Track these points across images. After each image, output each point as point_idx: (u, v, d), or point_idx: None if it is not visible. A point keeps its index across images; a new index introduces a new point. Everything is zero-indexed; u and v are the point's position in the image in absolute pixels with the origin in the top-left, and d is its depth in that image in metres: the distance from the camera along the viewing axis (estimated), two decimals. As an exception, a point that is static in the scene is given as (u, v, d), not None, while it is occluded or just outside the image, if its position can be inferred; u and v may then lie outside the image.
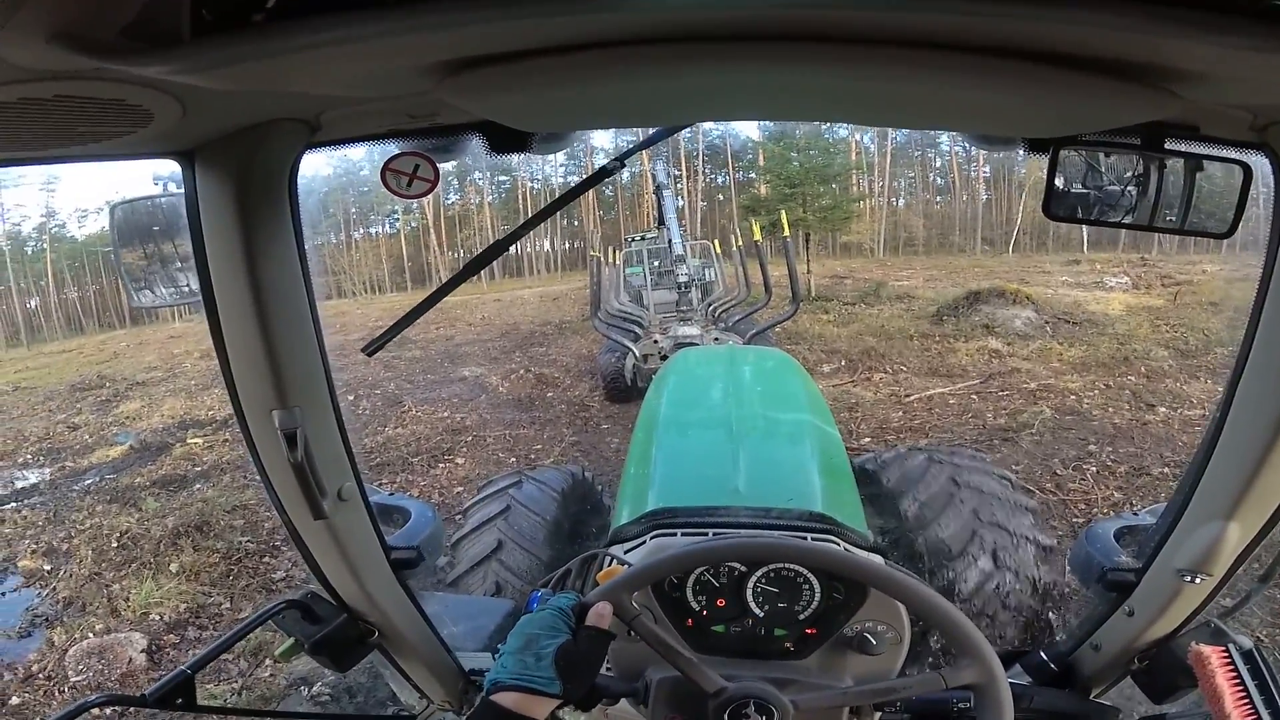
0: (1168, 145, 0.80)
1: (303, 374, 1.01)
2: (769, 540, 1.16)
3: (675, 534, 1.37)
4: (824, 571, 1.15)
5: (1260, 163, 0.82)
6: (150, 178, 0.94)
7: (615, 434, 6.95)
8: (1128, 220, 0.87)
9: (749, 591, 1.19)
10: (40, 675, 3.55)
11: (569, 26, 0.53)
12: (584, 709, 1.02)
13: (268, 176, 0.87)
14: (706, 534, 1.35)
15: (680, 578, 1.20)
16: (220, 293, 0.92)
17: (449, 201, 38.60)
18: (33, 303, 31.45)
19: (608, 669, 1.20)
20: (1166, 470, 5.09)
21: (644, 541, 1.39)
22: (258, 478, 1.13)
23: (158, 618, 4.00)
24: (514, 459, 6.52)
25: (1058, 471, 5.17)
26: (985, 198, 36.73)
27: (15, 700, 3.38)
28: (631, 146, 1.14)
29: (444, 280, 1.05)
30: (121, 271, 1.01)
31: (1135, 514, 1.55)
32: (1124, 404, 6.78)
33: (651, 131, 1.05)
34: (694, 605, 1.20)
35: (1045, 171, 0.85)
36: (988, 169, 36.96)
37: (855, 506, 1.82)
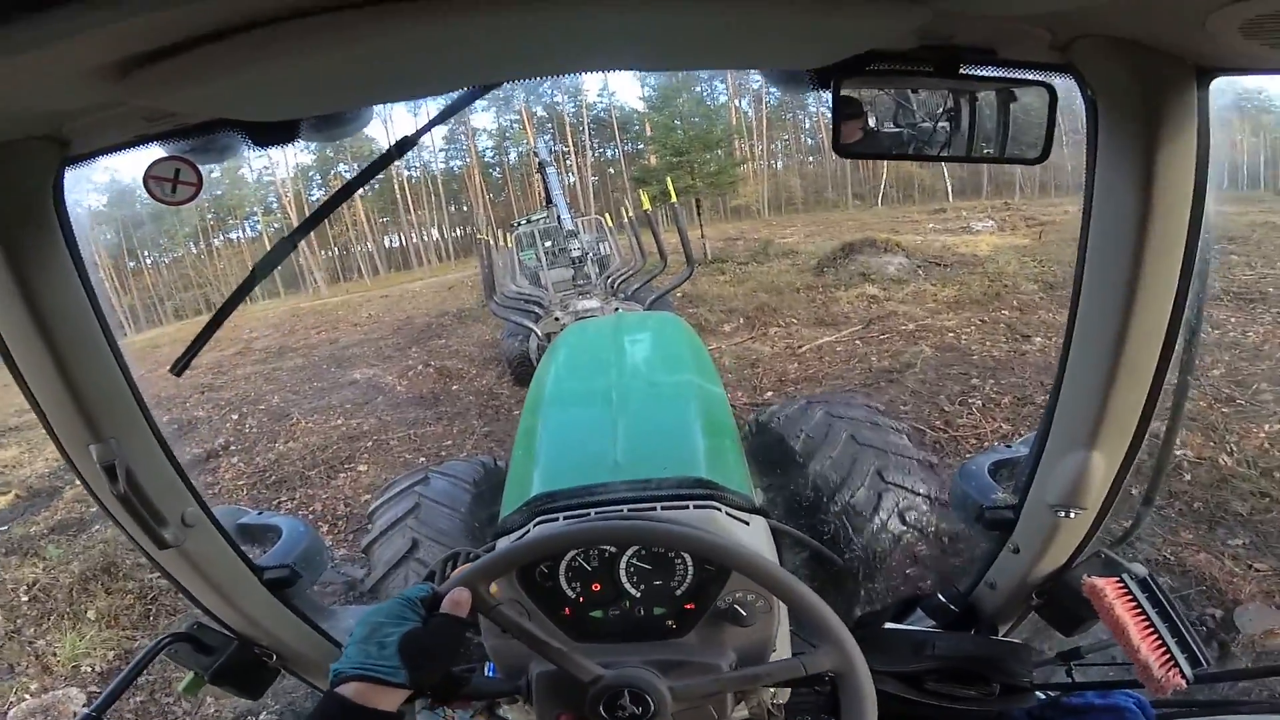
0: (964, 71, 0.79)
1: (111, 403, 0.98)
2: (607, 525, 1.12)
3: (557, 518, 1.29)
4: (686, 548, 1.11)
5: (1068, 85, 0.81)
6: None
7: (527, 418, 6.83)
8: (944, 154, 0.87)
9: (621, 572, 1.14)
10: (-17, 746, 3.17)
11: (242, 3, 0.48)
12: (441, 701, 0.98)
13: (28, 198, 0.83)
14: (589, 514, 1.27)
15: (551, 566, 1.15)
16: (5, 330, 0.87)
17: (313, 198, 35.56)
18: None
19: (490, 672, 1.17)
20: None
21: (527, 531, 1.30)
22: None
23: (89, 669, 3.76)
24: (423, 458, 6.25)
25: (945, 408, 5.30)
26: (854, 155, 38.85)
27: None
28: (424, 125, 1.09)
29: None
30: None
31: (1009, 446, 1.52)
32: (1000, 337, 7.01)
33: (444, 107, 0.98)
34: (569, 593, 1.15)
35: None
36: (854, 127, 39.09)
37: (739, 467, 1.76)
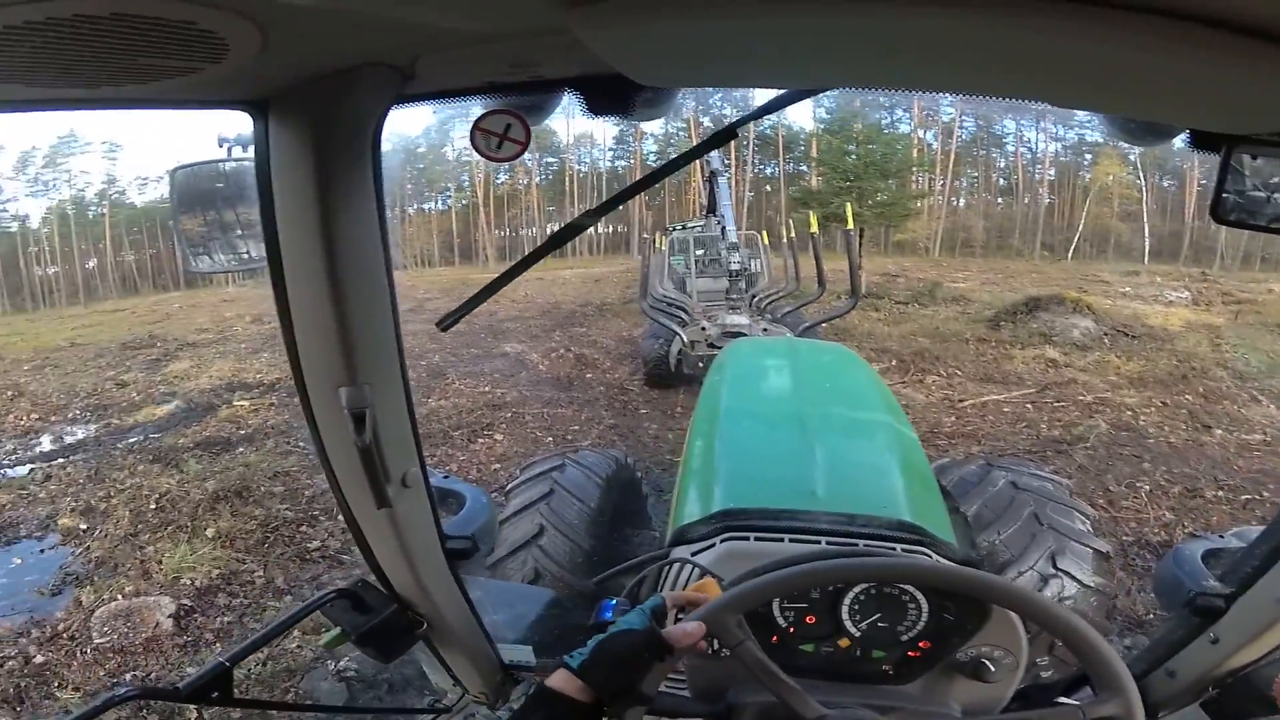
0: None
1: (374, 349, 0.92)
2: (903, 562, 1.04)
3: (748, 537, 1.27)
4: (943, 591, 1.01)
5: None
6: (215, 141, 0.87)
7: (653, 420, 6.89)
8: None
9: (844, 609, 1.06)
10: (65, 635, 3.53)
11: None
12: (614, 713, 0.91)
13: (351, 130, 0.78)
14: (782, 539, 1.24)
15: None
16: (290, 259, 0.84)
17: (499, 181, 39.07)
18: (91, 264, 32.63)
19: (681, 687, 1.10)
20: (1221, 494, 4.93)
21: (714, 544, 1.29)
22: (311, 451, 1.08)
23: (189, 582, 3.97)
24: (551, 439, 6.53)
25: (1110, 488, 5.04)
26: (1048, 201, 34.89)
27: (38, 659, 3.38)
28: (747, 114, 1.05)
29: (505, 255, 0.99)
30: (179, 236, 0.96)
31: (1221, 536, 1.47)
32: (1180, 423, 6.58)
33: (771, 97, 0.91)
34: (780, 621, 1.08)
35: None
36: (1053, 171, 35.17)
37: (942, 516, 1.69)
